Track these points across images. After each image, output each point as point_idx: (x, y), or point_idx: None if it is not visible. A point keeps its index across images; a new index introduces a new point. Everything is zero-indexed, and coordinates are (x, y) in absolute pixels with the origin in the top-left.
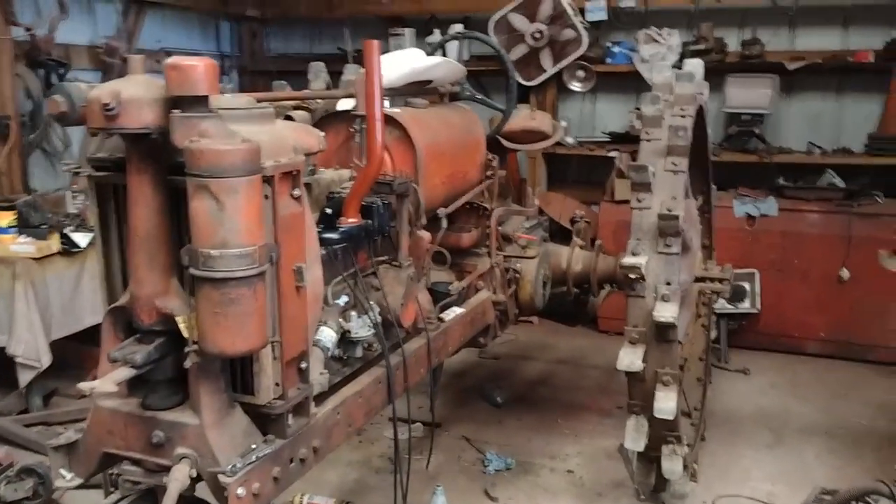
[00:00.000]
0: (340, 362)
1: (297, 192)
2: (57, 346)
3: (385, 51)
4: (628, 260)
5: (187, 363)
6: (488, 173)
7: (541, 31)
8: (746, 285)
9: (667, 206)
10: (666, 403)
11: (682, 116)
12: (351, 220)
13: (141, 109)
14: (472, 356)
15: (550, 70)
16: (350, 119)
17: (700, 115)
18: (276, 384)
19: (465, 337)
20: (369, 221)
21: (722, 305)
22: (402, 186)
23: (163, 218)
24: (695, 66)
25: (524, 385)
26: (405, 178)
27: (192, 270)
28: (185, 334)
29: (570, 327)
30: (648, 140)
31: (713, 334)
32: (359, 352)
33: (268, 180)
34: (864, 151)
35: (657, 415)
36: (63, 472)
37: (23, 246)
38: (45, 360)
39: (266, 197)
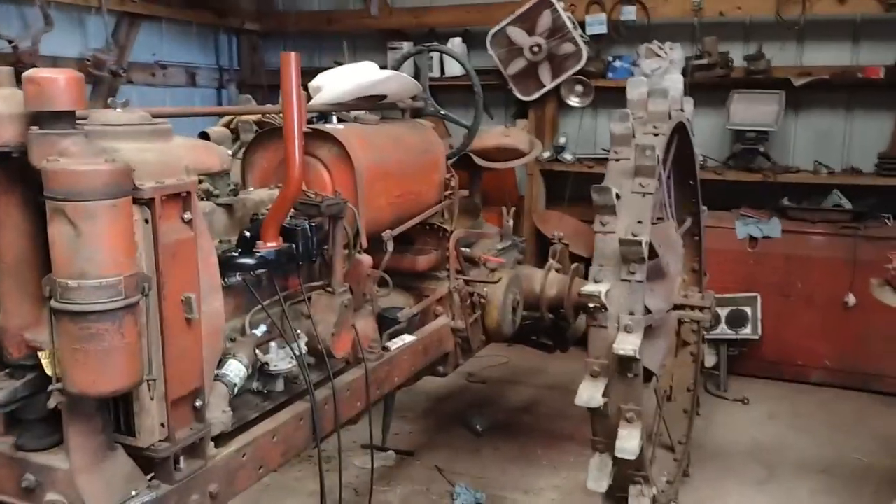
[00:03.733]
0: (262, 397)
1: (187, 216)
2: None
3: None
4: (588, 288)
5: (51, 403)
6: (448, 193)
7: (539, 45)
8: (747, 310)
9: (631, 231)
10: (629, 442)
11: (654, 135)
12: (270, 245)
13: (0, 126)
14: (460, 380)
15: (549, 84)
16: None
17: (683, 132)
18: (162, 424)
19: (417, 366)
20: (290, 245)
21: (722, 331)
22: (332, 208)
23: (33, 243)
24: (673, 81)
25: (508, 412)
26: (337, 198)
27: (52, 302)
28: (48, 371)
29: (548, 354)
30: (617, 160)
31: (712, 361)
32: (279, 385)
33: (147, 203)
34: (874, 171)
35: (619, 454)
36: None
37: None
38: None
39: (146, 221)
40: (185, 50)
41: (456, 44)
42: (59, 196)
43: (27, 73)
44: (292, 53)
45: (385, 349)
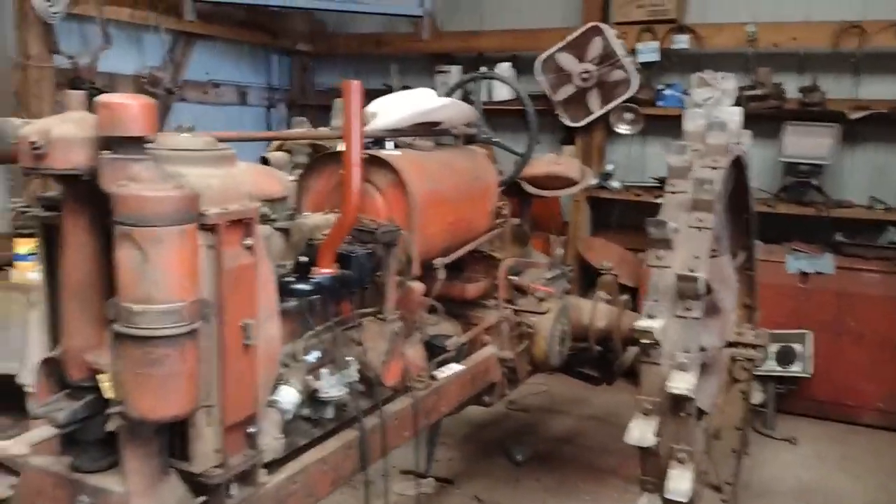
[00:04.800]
0: (312, 423)
1: (248, 242)
2: None
3: (432, 88)
4: (642, 323)
5: (110, 426)
6: (500, 221)
7: (589, 72)
8: (797, 347)
9: (688, 266)
10: (680, 484)
11: (712, 168)
12: (325, 271)
13: (70, 149)
14: (500, 407)
15: (598, 111)
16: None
17: (739, 165)
18: (217, 450)
19: (464, 396)
20: (347, 272)
21: (770, 367)
22: (387, 235)
23: (98, 266)
24: (731, 113)
25: (549, 442)
26: (392, 225)
27: (115, 326)
28: (108, 394)
29: (594, 386)
30: (673, 192)
31: (760, 398)
32: (330, 413)
33: (211, 229)
34: None
35: (669, 496)
36: None
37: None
38: None
39: (210, 247)
40: (237, 69)
41: (505, 69)
42: (127, 221)
43: (101, 98)
44: (355, 82)
45: (433, 378)
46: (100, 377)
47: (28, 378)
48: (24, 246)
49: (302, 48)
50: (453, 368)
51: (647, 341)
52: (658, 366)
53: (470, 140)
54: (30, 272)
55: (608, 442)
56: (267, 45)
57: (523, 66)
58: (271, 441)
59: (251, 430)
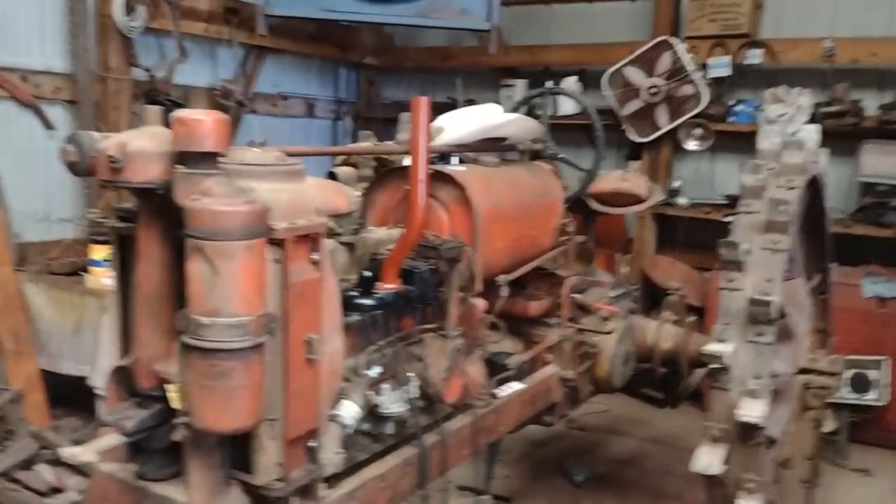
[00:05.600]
0: (371, 439)
1: (315, 257)
2: None
3: (497, 102)
4: (711, 347)
5: (175, 436)
6: (564, 238)
7: (657, 86)
8: (873, 374)
9: (761, 290)
10: None
11: (788, 188)
12: (389, 286)
13: (147, 163)
14: (559, 425)
15: (666, 127)
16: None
17: (816, 185)
18: (278, 464)
19: (524, 415)
20: (410, 287)
21: (844, 395)
22: (451, 251)
23: (169, 277)
24: (809, 131)
25: (610, 464)
26: (456, 241)
27: (183, 337)
28: (175, 404)
29: (658, 408)
30: (747, 213)
31: (833, 426)
32: (390, 428)
33: (278, 243)
34: None
35: None
36: None
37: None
38: None
39: (276, 261)
40: (306, 82)
41: (571, 83)
42: (199, 234)
43: (177, 114)
44: (423, 98)
45: (494, 396)
46: (168, 387)
47: (99, 381)
48: (100, 252)
49: (369, 62)
50: (514, 387)
51: (717, 366)
52: (727, 392)
53: (535, 156)
54: (104, 278)
55: (670, 465)
56: (335, 59)
57: (590, 81)
58: (332, 455)
59: (312, 444)
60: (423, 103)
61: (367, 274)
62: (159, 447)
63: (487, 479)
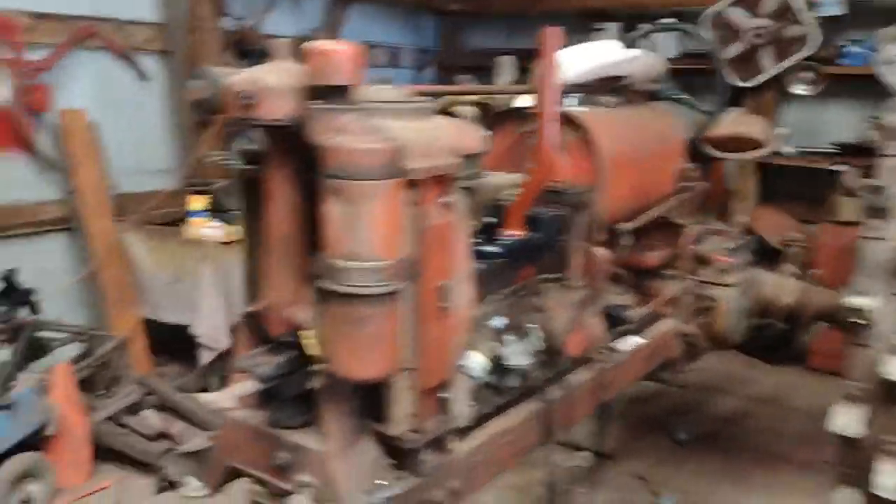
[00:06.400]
0: (493, 391)
1: (447, 199)
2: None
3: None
4: (854, 300)
5: (312, 383)
6: (685, 185)
7: (763, 28)
8: None
9: None
10: (890, 479)
11: None
12: (513, 232)
13: (279, 99)
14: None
15: (771, 70)
16: (524, 119)
17: None
18: (412, 414)
19: (642, 371)
20: (535, 234)
21: None
22: (576, 196)
23: (300, 219)
24: None
25: (713, 422)
26: (581, 186)
27: (320, 282)
28: (310, 351)
29: (759, 363)
30: (888, 155)
31: None
32: (514, 381)
33: (414, 185)
34: None
35: (878, 492)
36: (190, 479)
37: (213, 230)
38: (225, 342)
39: (411, 204)
40: (389, 31)
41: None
42: (337, 174)
43: (312, 45)
44: (555, 29)
45: (613, 350)
46: (303, 334)
47: (201, 330)
48: (198, 202)
49: (454, 8)
50: (634, 341)
51: (859, 321)
52: (869, 349)
53: (652, 97)
54: (203, 228)
55: (777, 424)
56: (419, 7)
57: (687, 23)
58: (462, 407)
59: (444, 395)
60: (553, 35)
61: (491, 220)
62: (291, 395)
63: (602, 437)
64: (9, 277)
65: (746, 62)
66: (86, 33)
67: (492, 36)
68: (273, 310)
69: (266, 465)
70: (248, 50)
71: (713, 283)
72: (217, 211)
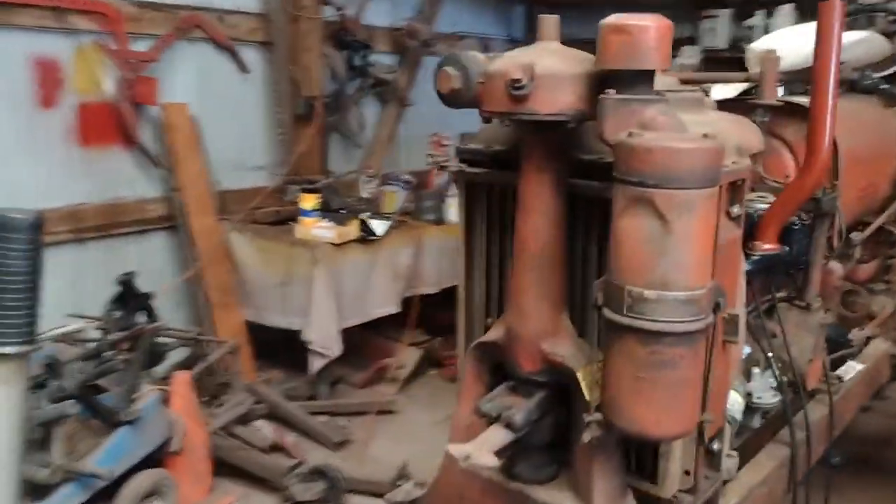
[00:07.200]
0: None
1: (737, 210)
2: (344, 334)
3: (695, 37)
4: None
5: (586, 436)
6: None
7: None
8: None
9: None
10: None
11: None
12: (768, 247)
13: (558, 89)
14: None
15: None
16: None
17: None
18: (685, 471)
19: (864, 401)
20: (786, 248)
21: None
22: (830, 203)
23: (559, 234)
24: None
25: (862, 443)
26: (832, 191)
27: (611, 314)
28: (587, 396)
29: None
30: None
31: None
32: (757, 421)
33: None
34: None
35: None
36: None
37: (324, 231)
38: (337, 349)
39: None
40: (480, 21)
41: (786, 12)
42: (646, 180)
43: (612, 21)
44: (836, 2)
45: (839, 379)
46: (578, 374)
47: (313, 336)
48: (310, 201)
49: None
50: (854, 367)
51: None
52: None
53: (851, 86)
54: (314, 228)
55: None
56: None
57: (810, 8)
58: (726, 459)
59: (715, 446)
60: (835, 7)
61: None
62: (537, 443)
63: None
64: (127, 282)
65: None
66: (190, 23)
67: (586, 26)
68: (523, 342)
69: None
70: (349, 41)
71: None
72: (326, 210)
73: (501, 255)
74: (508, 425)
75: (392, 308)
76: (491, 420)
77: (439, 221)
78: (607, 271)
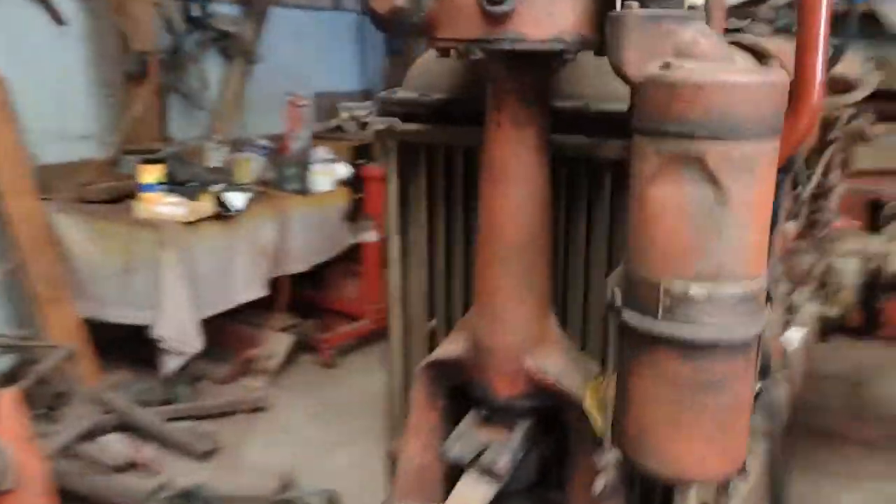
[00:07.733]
0: None
1: None
2: (203, 326)
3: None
4: None
5: (598, 484)
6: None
7: None
8: None
9: None
10: None
11: None
12: None
13: (553, 7)
14: None
15: None
16: None
17: None
18: None
19: (806, 366)
20: None
21: None
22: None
23: (546, 211)
24: None
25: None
26: None
27: (638, 319)
28: (598, 429)
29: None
30: None
31: None
32: None
33: None
34: None
35: None
36: None
37: (172, 207)
38: (196, 344)
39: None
40: None
41: None
42: (696, 131)
43: None
44: None
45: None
46: (587, 405)
47: (165, 331)
48: (152, 174)
49: None
50: (799, 333)
51: None
52: None
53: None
54: (159, 205)
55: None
56: None
57: None
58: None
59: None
60: None
61: None
62: (525, 485)
63: None
64: None
65: None
66: None
67: None
68: (498, 357)
69: None
70: None
71: None
72: (172, 183)
73: (448, 239)
74: (489, 473)
75: (258, 292)
76: (463, 466)
77: (304, 191)
78: (627, 261)
